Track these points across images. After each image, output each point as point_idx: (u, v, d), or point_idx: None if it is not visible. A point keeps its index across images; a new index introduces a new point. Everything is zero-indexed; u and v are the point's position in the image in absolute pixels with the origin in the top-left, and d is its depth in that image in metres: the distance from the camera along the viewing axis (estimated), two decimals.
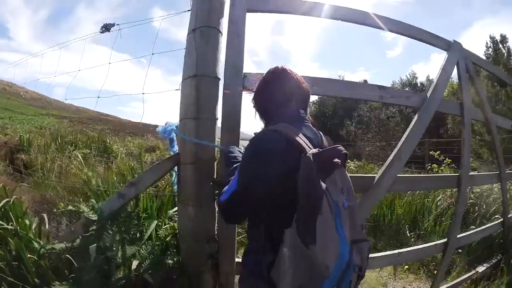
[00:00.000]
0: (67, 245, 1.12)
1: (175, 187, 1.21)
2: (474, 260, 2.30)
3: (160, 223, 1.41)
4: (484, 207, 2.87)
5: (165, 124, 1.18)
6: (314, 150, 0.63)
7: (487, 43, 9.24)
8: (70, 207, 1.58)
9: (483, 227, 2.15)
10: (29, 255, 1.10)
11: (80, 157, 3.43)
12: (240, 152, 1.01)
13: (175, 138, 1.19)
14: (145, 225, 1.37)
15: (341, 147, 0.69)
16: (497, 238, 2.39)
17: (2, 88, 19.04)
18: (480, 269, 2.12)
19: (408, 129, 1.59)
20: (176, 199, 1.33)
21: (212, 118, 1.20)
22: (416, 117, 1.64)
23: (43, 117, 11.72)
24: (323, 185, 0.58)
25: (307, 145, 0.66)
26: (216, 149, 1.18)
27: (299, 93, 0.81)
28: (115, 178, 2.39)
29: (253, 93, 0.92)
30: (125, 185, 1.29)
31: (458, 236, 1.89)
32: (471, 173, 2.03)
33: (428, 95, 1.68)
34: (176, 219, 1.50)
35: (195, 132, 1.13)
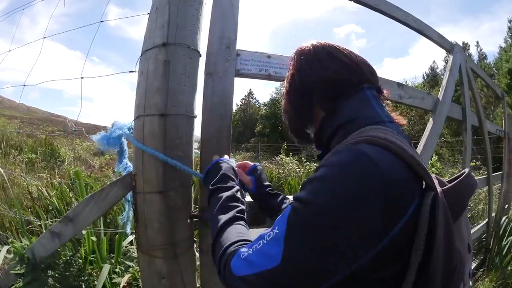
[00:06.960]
0: None
1: (128, 228, 0.78)
2: None
3: (113, 263, 0.99)
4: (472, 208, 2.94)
5: (111, 127, 0.70)
6: (436, 183, 0.35)
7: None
8: None
9: (474, 229, 2.14)
10: None
11: (24, 164, 3.04)
12: (235, 171, 0.64)
13: (125, 147, 0.74)
14: (93, 272, 0.94)
15: (471, 173, 0.41)
16: (477, 238, 2.39)
17: None
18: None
19: (425, 137, 1.37)
20: (134, 241, 0.91)
21: (189, 114, 0.79)
22: (431, 121, 1.43)
23: None
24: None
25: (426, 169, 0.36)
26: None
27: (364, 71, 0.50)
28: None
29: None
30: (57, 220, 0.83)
31: None
32: None
33: (439, 98, 1.52)
34: (134, 255, 1.11)
35: (163, 140, 0.70)
